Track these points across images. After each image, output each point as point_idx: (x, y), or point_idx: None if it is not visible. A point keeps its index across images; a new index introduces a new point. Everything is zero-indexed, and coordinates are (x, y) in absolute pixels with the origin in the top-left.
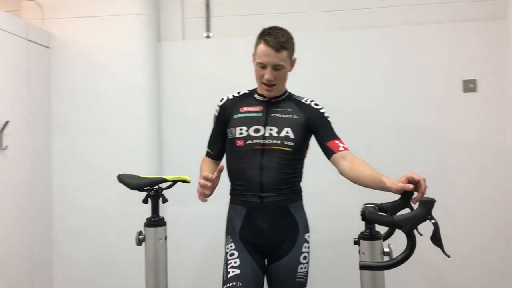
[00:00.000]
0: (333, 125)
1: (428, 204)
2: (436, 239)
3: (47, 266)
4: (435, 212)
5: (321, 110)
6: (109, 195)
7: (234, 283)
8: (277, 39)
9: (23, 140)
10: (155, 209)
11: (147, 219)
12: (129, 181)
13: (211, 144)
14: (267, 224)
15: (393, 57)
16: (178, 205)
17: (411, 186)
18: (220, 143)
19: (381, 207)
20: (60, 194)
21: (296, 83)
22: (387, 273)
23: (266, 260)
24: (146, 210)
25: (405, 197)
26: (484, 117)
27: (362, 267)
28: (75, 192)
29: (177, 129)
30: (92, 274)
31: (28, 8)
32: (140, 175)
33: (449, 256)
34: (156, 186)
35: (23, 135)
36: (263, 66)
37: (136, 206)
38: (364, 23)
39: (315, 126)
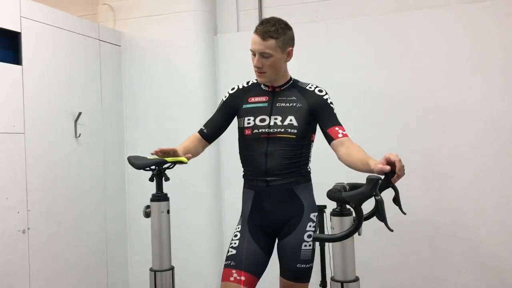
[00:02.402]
0: (336, 111)
1: (372, 182)
2: (380, 215)
3: (122, 239)
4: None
5: (324, 97)
6: (175, 178)
7: (229, 262)
8: (265, 28)
9: (96, 129)
10: (159, 186)
11: (152, 194)
12: (135, 162)
13: (208, 124)
14: (273, 205)
15: (442, 39)
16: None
17: (387, 167)
18: (217, 127)
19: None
20: (132, 176)
21: (351, 66)
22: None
23: (277, 238)
24: (203, 192)
25: (387, 177)
26: None
27: (315, 239)
28: (146, 173)
29: None
30: None
31: (103, 12)
32: (148, 157)
33: (392, 230)
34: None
35: (96, 125)
36: (253, 53)
37: (196, 189)
38: (413, 5)
39: (317, 112)
